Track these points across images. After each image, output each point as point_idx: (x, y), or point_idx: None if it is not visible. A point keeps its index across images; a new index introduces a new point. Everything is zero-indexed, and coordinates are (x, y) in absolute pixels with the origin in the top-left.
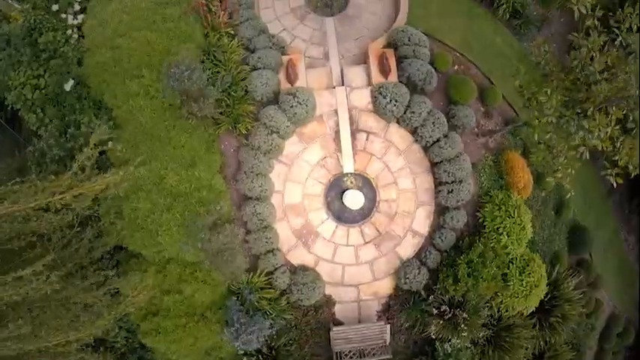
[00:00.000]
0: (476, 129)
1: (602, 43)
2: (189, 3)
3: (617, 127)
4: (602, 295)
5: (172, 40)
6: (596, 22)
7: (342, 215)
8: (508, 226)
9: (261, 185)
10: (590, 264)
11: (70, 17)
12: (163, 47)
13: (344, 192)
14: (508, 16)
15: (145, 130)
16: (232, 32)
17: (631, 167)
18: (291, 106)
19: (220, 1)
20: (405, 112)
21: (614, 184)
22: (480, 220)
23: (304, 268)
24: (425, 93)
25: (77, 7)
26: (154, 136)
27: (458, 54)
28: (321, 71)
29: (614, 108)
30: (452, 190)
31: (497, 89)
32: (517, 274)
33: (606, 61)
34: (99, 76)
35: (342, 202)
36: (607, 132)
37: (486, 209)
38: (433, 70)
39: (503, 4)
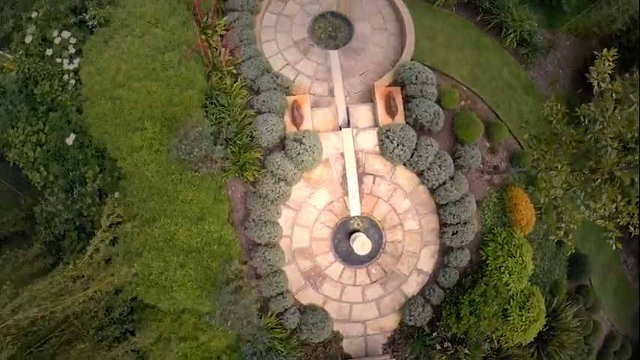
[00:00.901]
0: (481, 165)
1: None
2: (189, 44)
3: (622, 202)
4: (600, 316)
5: (174, 89)
6: (614, 95)
7: (349, 257)
8: (510, 265)
9: (270, 232)
10: (589, 290)
11: (66, 62)
12: (165, 98)
13: (351, 234)
14: (515, 45)
15: (151, 184)
16: (234, 71)
17: (631, 228)
18: (298, 154)
19: (221, 37)
20: (411, 156)
21: (614, 247)
22: (483, 258)
23: (313, 308)
24: (431, 133)
25: (72, 50)
26: (161, 191)
27: (465, 88)
28: (327, 111)
29: (619, 174)
30: (456, 231)
31: (503, 125)
32: (517, 310)
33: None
34: (100, 127)
35: (350, 245)
36: (612, 209)
37: (489, 248)
38: (441, 110)
39: (510, 34)
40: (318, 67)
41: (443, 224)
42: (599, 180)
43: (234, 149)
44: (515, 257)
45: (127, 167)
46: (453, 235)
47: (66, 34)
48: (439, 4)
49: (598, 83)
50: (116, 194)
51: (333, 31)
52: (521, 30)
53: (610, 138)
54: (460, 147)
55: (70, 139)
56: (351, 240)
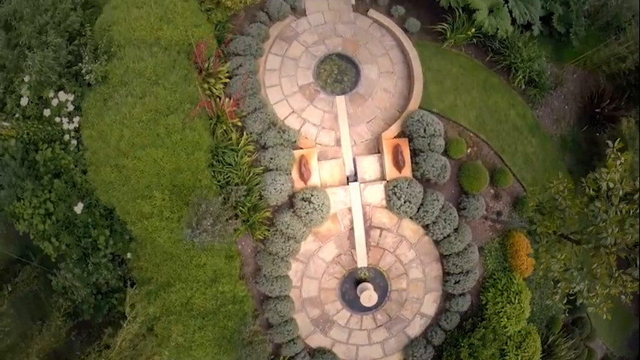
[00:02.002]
0: (485, 211)
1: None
2: (192, 101)
3: (618, 273)
4: (595, 342)
5: (180, 155)
6: (621, 193)
7: (356, 305)
8: (508, 310)
9: (280, 286)
10: (585, 321)
11: (65, 121)
12: (172, 165)
13: (358, 283)
14: (523, 85)
15: (164, 249)
16: (239, 123)
17: (624, 297)
18: (307, 213)
19: (224, 85)
20: (418, 211)
21: (605, 317)
22: (483, 302)
23: (322, 350)
24: (437, 184)
25: (71, 107)
26: (174, 256)
27: (472, 134)
28: (334, 164)
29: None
30: (459, 280)
31: (509, 172)
32: (514, 349)
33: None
34: (107, 193)
35: (357, 293)
36: (608, 292)
37: (489, 293)
38: (448, 163)
39: (519, 74)
40: (324, 115)
41: (446, 273)
42: (595, 264)
43: (243, 210)
44: (513, 303)
45: (137, 231)
46: (455, 283)
47: (63, 95)
48: (449, 45)
49: (607, 184)
50: (128, 255)
51: (339, 74)
52: (530, 70)
53: (612, 229)
54: (465, 198)
55: (78, 208)
56: (358, 291)
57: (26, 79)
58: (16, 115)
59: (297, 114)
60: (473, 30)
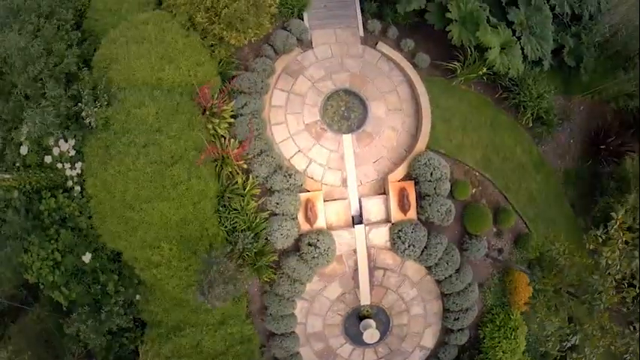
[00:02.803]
0: (486, 249)
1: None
2: (196, 147)
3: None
4: None
5: (187, 206)
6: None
7: (358, 339)
8: (505, 345)
9: (286, 324)
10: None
11: (67, 167)
12: (179, 217)
13: (361, 319)
14: (531, 123)
15: (173, 295)
16: (245, 166)
17: (613, 348)
18: (313, 257)
19: (229, 125)
20: (421, 254)
21: None
22: (481, 336)
23: None
24: (441, 226)
25: (72, 152)
26: (183, 302)
27: (477, 173)
28: (340, 205)
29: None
30: (458, 317)
31: (512, 212)
32: None
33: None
34: (114, 241)
35: (359, 329)
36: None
37: (487, 328)
38: (453, 207)
39: (528, 113)
40: (330, 155)
41: (446, 309)
42: (587, 325)
43: (250, 254)
44: (510, 339)
45: (146, 277)
46: (454, 320)
47: (64, 144)
48: (458, 81)
49: (606, 261)
50: (137, 297)
51: (346, 110)
52: (539, 108)
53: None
54: (468, 239)
55: (86, 258)
56: (361, 327)
57: (25, 130)
58: (17, 164)
59: (303, 153)
60: (484, 69)
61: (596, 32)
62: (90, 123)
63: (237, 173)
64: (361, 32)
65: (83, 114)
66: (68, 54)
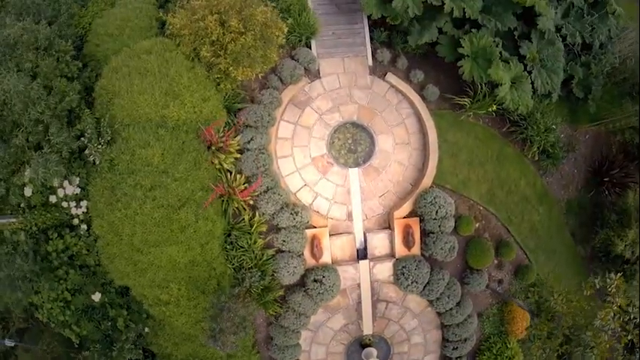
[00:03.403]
0: (487, 280)
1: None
2: (203, 187)
3: None
4: None
5: (195, 249)
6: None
7: None
8: None
9: (291, 353)
10: None
11: (73, 205)
12: (187, 259)
13: (363, 347)
14: (537, 157)
15: (182, 330)
16: (252, 202)
17: None
18: (319, 293)
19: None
20: (424, 289)
21: None
22: None
23: None
24: (444, 262)
25: (77, 191)
26: (192, 336)
27: (481, 207)
28: (345, 240)
29: None
30: (457, 347)
31: (513, 246)
32: None
33: None
34: (122, 280)
35: (361, 357)
36: None
37: (484, 356)
38: (456, 243)
39: (534, 147)
40: (337, 189)
41: (445, 339)
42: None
43: (257, 291)
44: None
45: (155, 313)
46: (453, 349)
47: (69, 187)
48: (467, 115)
49: (600, 322)
50: (146, 329)
51: (353, 143)
52: (545, 142)
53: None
54: (470, 274)
55: (96, 297)
56: (363, 355)
57: (28, 173)
58: (22, 205)
59: (309, 187)
60: (494, 107)
61: (606, 62)
62: (94, 161)
63: (244, 209)
64: (370, 61)
65: (87, 151)
66: (69, 89)
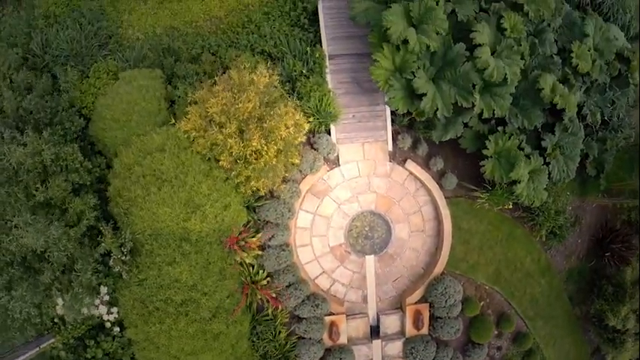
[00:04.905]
0: (487, 350)
1: None
2: (231, 294)
3: None
4: None
5: (227, 350)
6: None
7: None
8: None
9: None
10: None
11: (104, 311)
12: None
13: None
14: (544, 238)
15: None
16: (274, 295)
17: None
18: None
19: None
20: None
21: None
22: None
23: None
24: (449, 341)
25: (106, 298)
26: None
27: (487, 287)
28: (360, 322)
29: None
30: None
31: (514, 318)
32: None
33: None
34: None
35: None
36: None
37: None
38: (462, 325)
39: (543, 230)
40: (353, 276)
41: None
42: None
43: None
44: None
45: None
46: None
47: (103, 308)
48: (482, 204)
49: None
50: None
51: (370, 230)
52: (555, 224)
53: None
54: (472, 347)
55: None
56: None
57: (59, 302)
58: (55, 320)
59: (327, 274)
60: (510, 205)
61: (621, 136)
62: (121, 274)
63: (267, 303)
64: (390, 147)
65: (111, 263)
66: (85, 209)
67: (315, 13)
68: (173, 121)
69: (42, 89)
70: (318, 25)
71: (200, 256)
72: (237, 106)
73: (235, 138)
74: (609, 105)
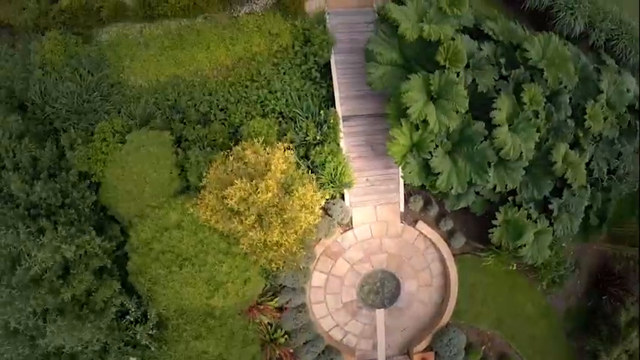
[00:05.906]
0: None
1: None
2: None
3: None
4: None
5: None
6: None
7: None
8: None
9: None
10: None
11: None
12: None
13: None
14: (546, 287)
15: None
16: (292, 351)
17: None
18: None
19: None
20: None
21: None
22: None
23: None
24: None
25: None
26: None
27: (489, 332)
28: None
29: None
30: None
31: (513, 357)
32: None
33: None
34: None
35: None
36: None
37: None
38: None
39: (545, 280)
40: (364, 327)
41: None
42: None
43: None
44: None
45: None
46: None
47: None
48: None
49: None
50: None
51: (380, 286)
52: (556, 274)
53: None
54: None
55: None
56: None
57: None
58: None
59: (340, 327)
60: (514, 266)
61: (626, 185)
62: (149, 346)
63: (285, 356)
64: (402, 208)
65: (138, 336)
66: (111, 295)
67: (327, 65)
68: (188, 205)
69: (48, 159)
70: (331, 79)
71: (224, 328)
72: (256, 196)
73: (257, 228)
74: (616, 158)
